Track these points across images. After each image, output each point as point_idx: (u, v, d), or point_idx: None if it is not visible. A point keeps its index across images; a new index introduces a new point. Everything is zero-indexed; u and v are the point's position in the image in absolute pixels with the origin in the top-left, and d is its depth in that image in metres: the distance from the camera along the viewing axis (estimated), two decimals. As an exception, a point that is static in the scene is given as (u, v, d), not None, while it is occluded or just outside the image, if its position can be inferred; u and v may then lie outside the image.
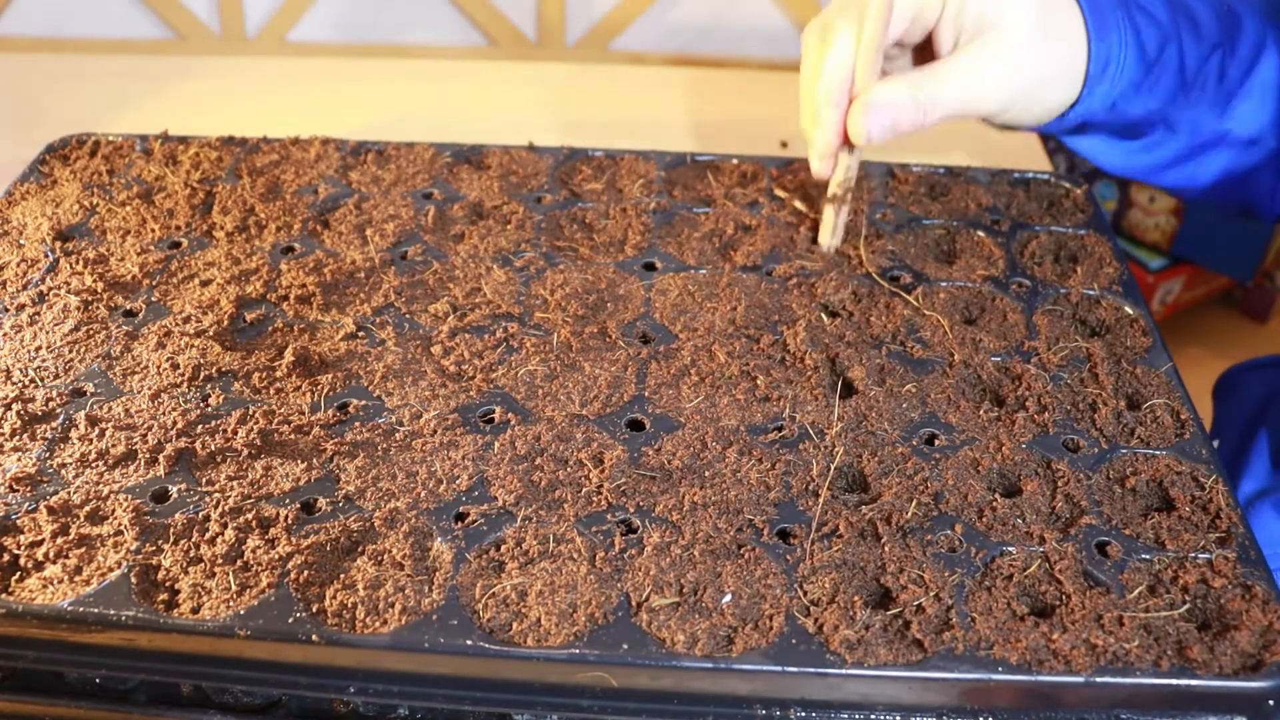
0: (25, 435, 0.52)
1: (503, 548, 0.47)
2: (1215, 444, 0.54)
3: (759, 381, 0.56)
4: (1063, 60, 0.60)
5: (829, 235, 0.65)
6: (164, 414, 0.53)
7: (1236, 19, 0.65)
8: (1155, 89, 0.63)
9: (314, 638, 0.43)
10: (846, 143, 0.60)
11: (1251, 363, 0.81)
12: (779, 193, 0.71)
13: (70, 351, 0.57)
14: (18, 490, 0.49)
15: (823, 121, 0.59)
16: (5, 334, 0.58)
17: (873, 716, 0.44)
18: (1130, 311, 0.62)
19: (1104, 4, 0.61)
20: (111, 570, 0.45)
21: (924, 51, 0.63)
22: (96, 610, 0.43)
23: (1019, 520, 0.49)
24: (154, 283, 0.62)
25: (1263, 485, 0.73)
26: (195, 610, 0.44)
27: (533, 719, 0.44)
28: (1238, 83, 0.65)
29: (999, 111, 0.60)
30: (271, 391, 0.55)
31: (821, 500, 0.49)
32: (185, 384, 0.55)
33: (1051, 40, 0.59)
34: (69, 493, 0.48)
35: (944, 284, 0.64)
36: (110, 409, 0.53)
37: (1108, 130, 0.66)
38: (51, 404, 0.53)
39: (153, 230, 0.67)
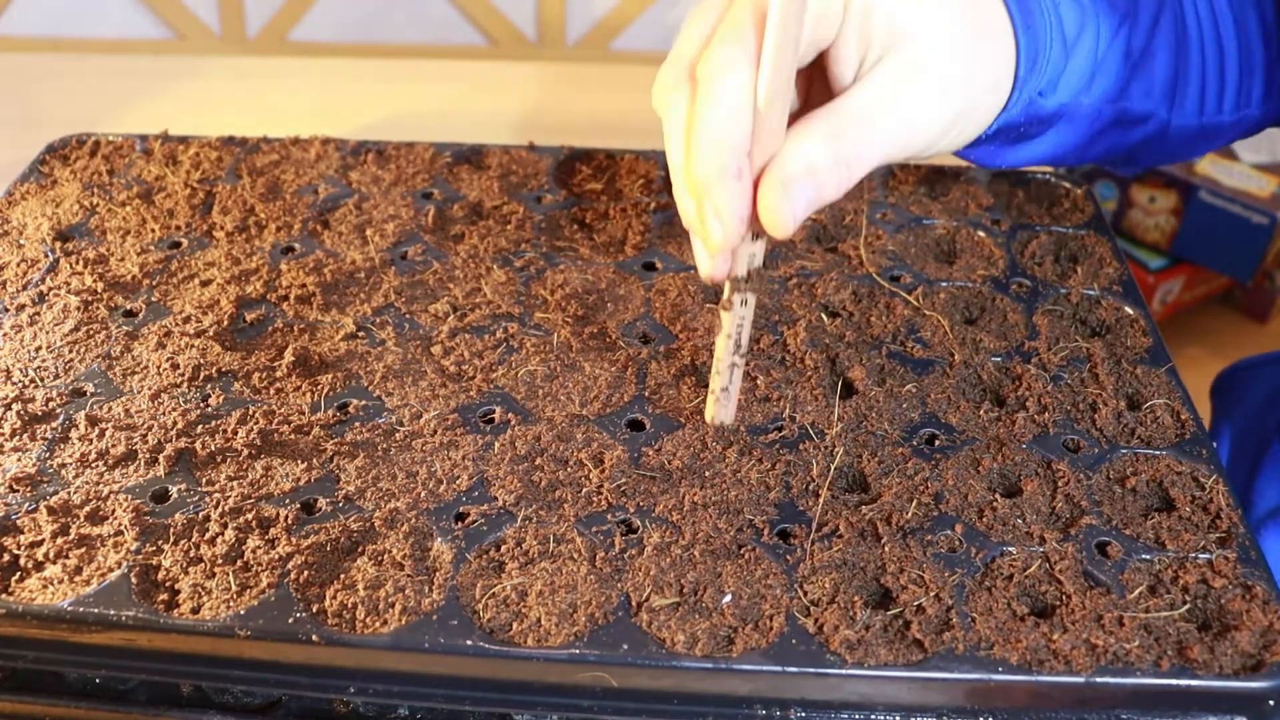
0: (25, 435, 0.52)
1: (503, 548, 0.47)
2: (1215, 445, 0.54)
3: (759, 381, 0.56)
4: (993, 63, 0.48)
5: (717, 403, 0.48)
6: (164, 414, 0.53)
7: None
8: (1072, 76, 0.52)
9: (314, 638, 0.43)
10: (754, 230, 0.43)
11: (1253, 360, 0.80)
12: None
13: (70, 351, 0.57)
14: (18, 490, 0.49)
15: (719, 206, 0.41)
16: (5, 334, 0.58)
17: (873, 717, 0.44)
18: (1130, 311, 0.62)
19: None
20: (111, 570, 0.45)
21: (810, 79, 0.47)
22: (96, 610, 0.43)
23: (1019, 520, 0.49)
24: (154, 283, 0.62)
25: (1276, 504, 0.71)
26: (195, 610, 0.44)
27: (533, 719, 0.44)
28: (1139, 55, 0.55)
29: (930, 145, 0.46)
30: (271, 391, 0.55)
31: (821, 500, 0.49)
32: (185, 384, 0.55)
33: (979, 41, 0.47)
34: (69, 493, 0.48)
35: (944, 284, 0.64)
36: (110, 409, 0.53)
37: (1004, 137, 0.53)
38: (51, 404, 0.53)
39: (153, 230, 0.67)
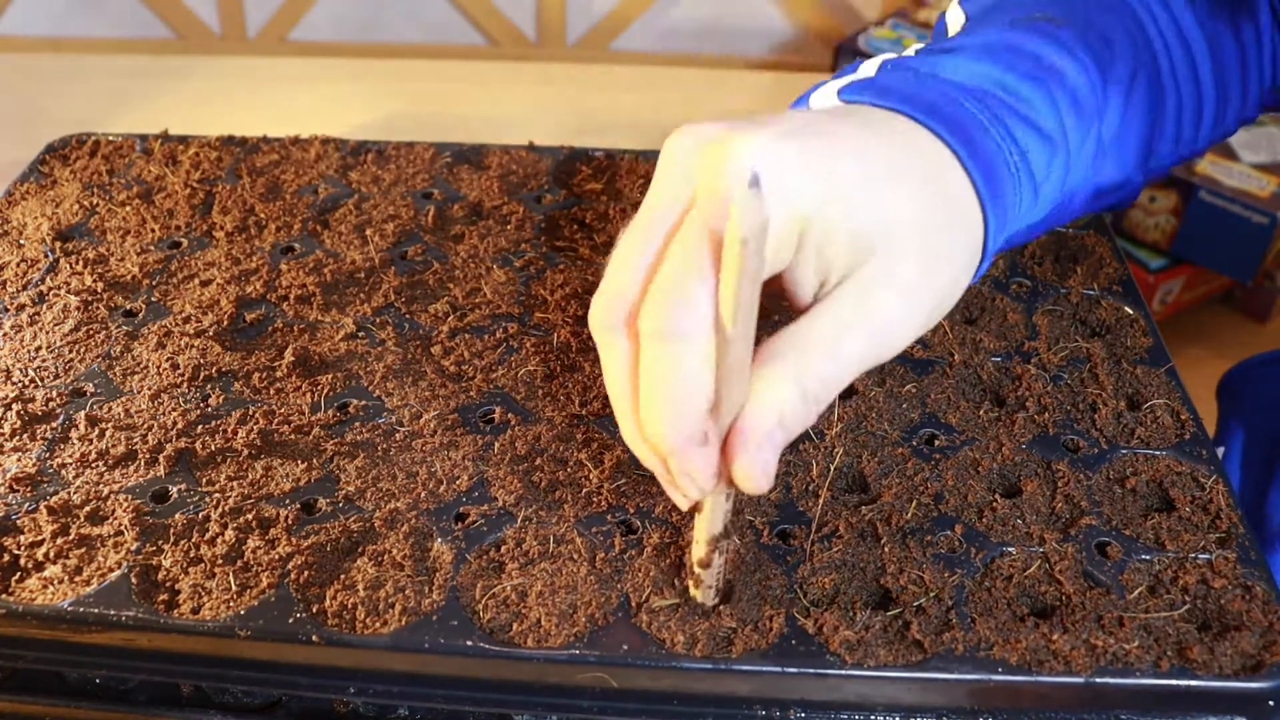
0: (25, 435, 0.52)
1: (503, 548, 0.47)
2: (1221, 451, 0.53)
3: (759, 382, 0.56)
4: (964, 252, 0.43)
5: (704, 593, 0.44)
6: (164, 414, 0.53)
7: (1108, 57, 0.51)
8: (1042, 205, 0.49)
9: (314, 638, 0.43)
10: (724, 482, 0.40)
11: (1261, 358, 0.78)
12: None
13: (70, 351, 0.57)
14: (18, 490, 0.49)
15: (690, 469, 0.38)
16: (5, 334, 0.58)
17: (873, 717, 0.44)
18: (1130, 311, 0.62)
19: (987, 148, 0.44)
20: (111, 570, 0.45)
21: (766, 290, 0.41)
22: (96, 610, 0.43)
23: (1019, 521, 0.49)
24: (154, 283, 0.62)
25: None
26: (195, 610, 0.44)
27: (532, 719, 0.44)
28: (1111, 139, 0.52)
29: (905, 346, 0.42)
30: (271, 391, 0.55)
31: (821, 501, 0.49)
32: (185, 384, 0.55)
33: (948, 235, 0.42)
34: (69, 493, 0.48)
35: (944, 284, 0.64)
36: (110, 409, 0.53)
37: None
38: (51, 404, 0.53)
39: (153, 230, 0.67)
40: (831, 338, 0.39)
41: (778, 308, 0.43)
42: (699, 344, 0.37)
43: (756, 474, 0.38)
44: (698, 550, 0.43)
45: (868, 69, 0.48)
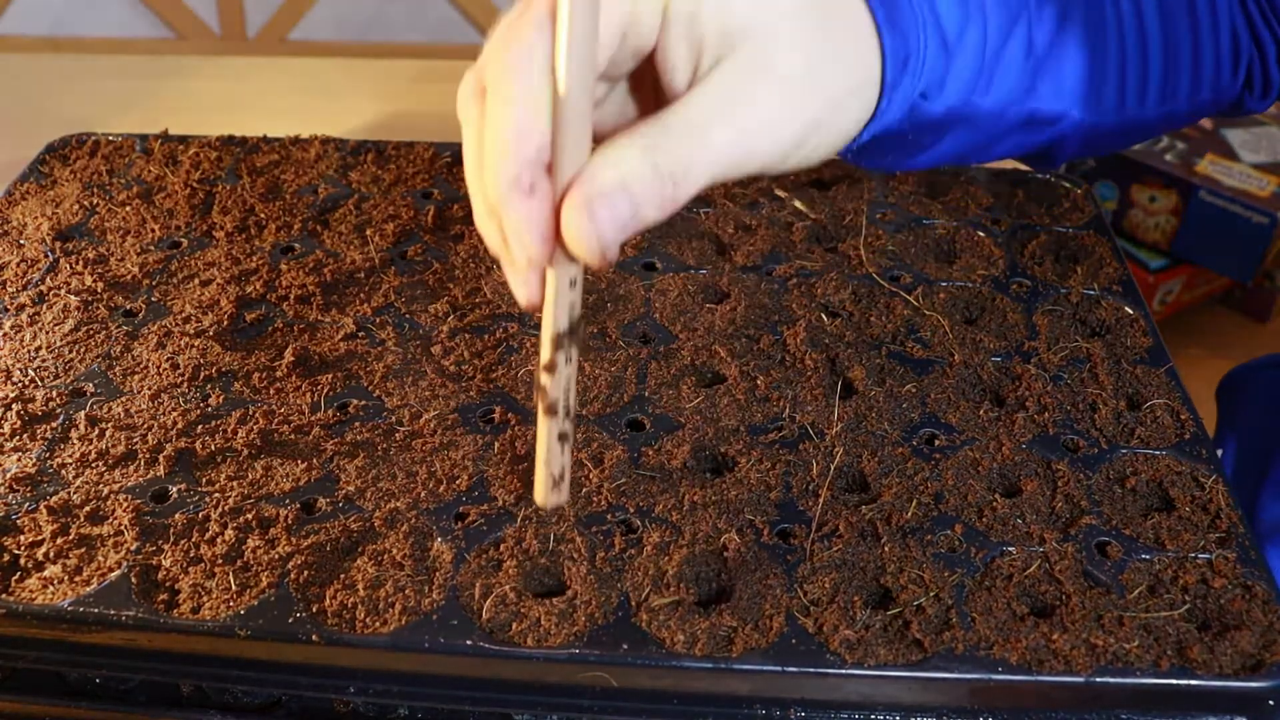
0: (25, 435, 0.52)
1: (502, 547, 0.47)
2: (1220, 452, 0.53)
3: (759, 381, 0.56)
4: (852, 63, 0.41)
5: (547, 473, 0.42)
6: (164, 414, 0.53)
7: None
8: (959, 77, 0.47)
9: (314, 638, 0.43)
10: (563, 252, 0.36)
11: (1257, 362, 0.79)
12: (779, 193, 0.71)
13: (70, 351, 0.57)
14: (18, 490, 0.49)
15: (512, 224, 0.36)
16: (5, 334, 0.58)
17: (873, 716, 0.44)
18: (1130, 311, 0.62)
19: None
20: (111, 570, 0.45)
21: (640, 88, 0.41)
22: (96, 610, 0.43)
23: (1019, 520, 0.49)
24: (154, 283, 0.62)
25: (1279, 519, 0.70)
26: (195, 610, 0.44)
27: (532, 719, 0.44)
28: (1045, 50, 0.50)
29: (778, 161, 0.39)
30: (271, 391, 0.55)
31: (821, 500, 0.49)
32: (185, 384, 0.55)
33: (834, 41, 0.40)
34: (69, 493, 0.48)
35: (944, 284, 0.64)
36: (110, 409, 0.53)
37: (894, 143, 0.49)
38: (51, 404, 0.53)
39: (153, 230, 0.67)
40: (695, 116, 0.37)
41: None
42: (530, 86, 0.35)
43: (586, 231, 0.35)
44: (543, 353, 0.38)
45: None
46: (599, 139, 0.37)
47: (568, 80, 0.34)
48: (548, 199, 0.36)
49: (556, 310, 0.38)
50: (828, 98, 0.40)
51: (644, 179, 0.36)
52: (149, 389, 0.54)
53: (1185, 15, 0.58)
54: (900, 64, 0.43)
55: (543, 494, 0.43)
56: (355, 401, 0.54)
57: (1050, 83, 0.51)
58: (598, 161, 0.36)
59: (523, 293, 0.38)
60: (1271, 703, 0.43)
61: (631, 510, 0.49)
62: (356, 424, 0.53)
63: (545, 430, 0.41)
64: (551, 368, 0.39)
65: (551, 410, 0.40)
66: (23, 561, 0.46)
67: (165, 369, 0.56)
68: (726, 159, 0.37)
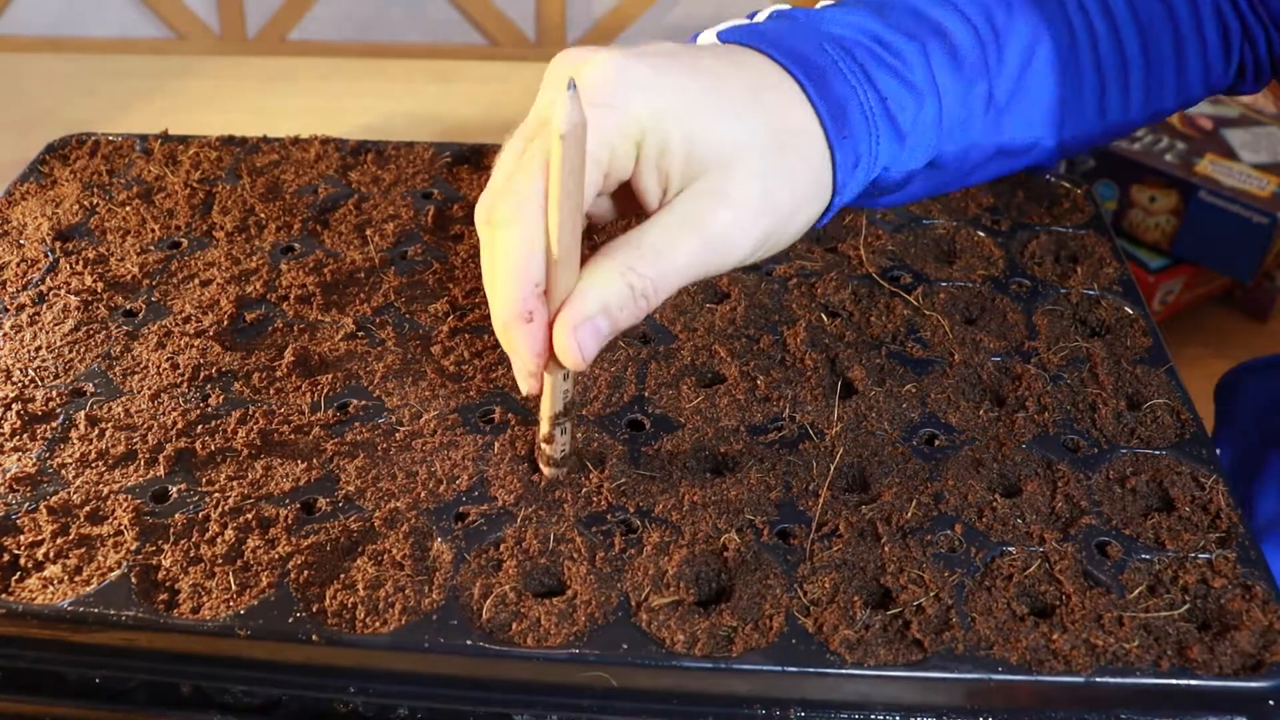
0: (25, 435, 0.52)
1: (502, 547, 0.47)
2: (1217, 451, 0.54)
3: (759, 381, 0.56)
4: (804, 180, 0.46)
5: (553, 470, 0.50)
6: (164, 414, 0.53)
7: (1005, 18, 0.54)
8: (915, 150, 0.51)
9: (314, 638, 0.43)
10: (554, 360, 0.44)
11: (1255, 363, 0.79)
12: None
13: (70, 351, 0.57)
14: (18, 490, 0.49)
15: (515, 344, 0.43)
16: (5, 334, 0.58)
17: (873, 717, 0.44)
18: (1130, 311, 0.62)
19: (839, 89, 0.47)
20: (111, 570, 0.45)
21: (626, 196, 0.46)
22: (96, 610, 0.43)
23: (1019, 520, 0.49)
24: (154, 283, 0.62)
25: (1272, 516, 0.70)
26: (195, 610, 0.44)
27: (532, 719, 0.44)
28: (1008, 97, 0.54)
29: (744, 259, 0.45)
30: (271, 391, 0.55)
31: (821, 500, 0.49)
32: (185, 384, 0.55)
33: (785, 163, 0.45)
34: (69, 493, 0.48)
35: (944, 284, 0.64)
36: (110, 409, 0.53)
37: (864, 198, 0.54)
38: (51, 404, 0.53)
39: (153, 230, 0.67)
40: (664, 240, 0.43)
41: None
42: (527, 232, 0.41)
43: (572, 350, 0.43)
44: (543, 428, 0.49)
45: (760, 16, 0.52)
46: (590, 230, 0.46)
47: (559, 224, 0.40)
48: (543, 324, 0.43)
49: (553, 399, 0.47)
50: (779, 215, 0.45)
51: (622, 299, 0.42)
52: (149, 389, 0.54)
53: (1166, 24, 0.59)
54: (850, 167, 0.48)
55: (548, 470, 0.51)
56: (355, 401, 0.54)
57: (1017, 121, 0.55)
58: (580, 292, 0.42)
59: (525, 387, 0.46)
60: (1271, 703, 0.43)
61: (631, 510, 0.49)
62: (356, 424, 0.53)
63: (549, 474, 0.50)
64: (550, 440, 0.49)
65: (551, 463, 0.50)
66: (23, 561, 0.46)
67: (165, 369, 0.56)
68: (690, 271, 0.44)
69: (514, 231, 0.42)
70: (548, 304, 0.43)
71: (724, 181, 0.44)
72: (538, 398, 0.48)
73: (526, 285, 0.42)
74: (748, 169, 0.44)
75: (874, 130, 0.48)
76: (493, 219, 0.43)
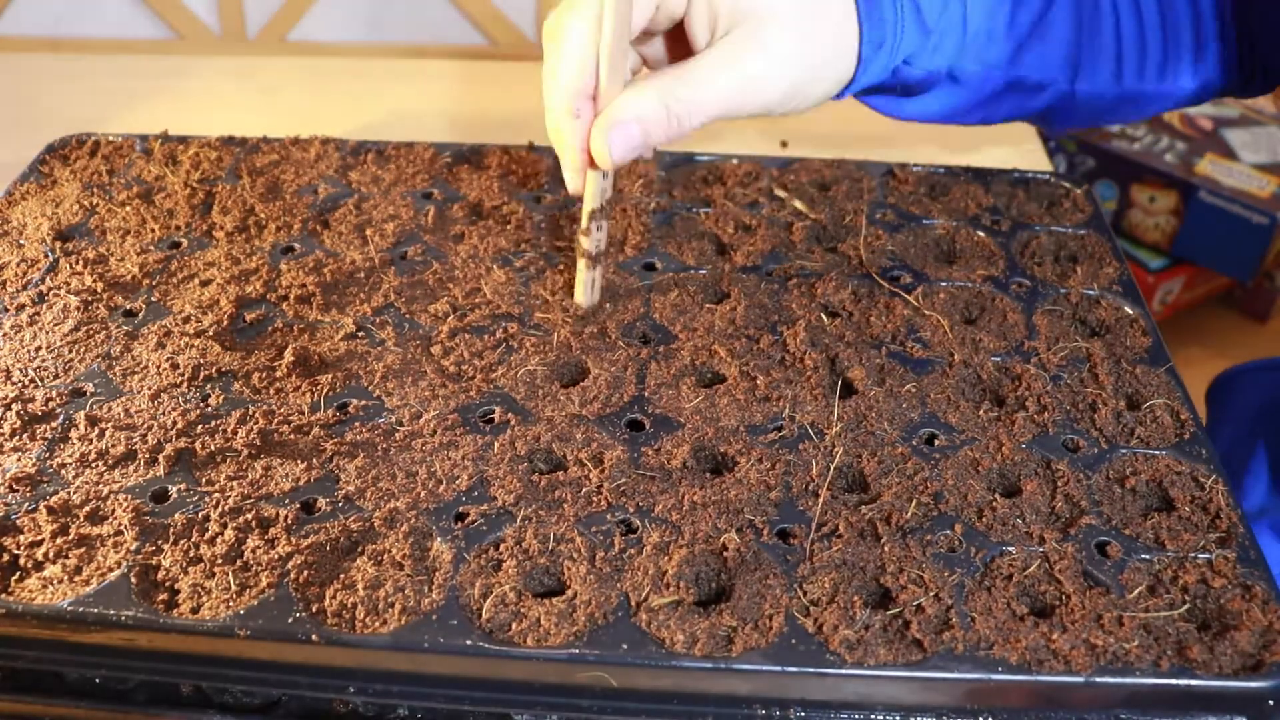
0: (25, 435, 0.52)
1: (502, 547, 0.47)
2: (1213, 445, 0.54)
3: (759, 381, 0.56)
4: (832, 45, 0.54)
5: (586, 287, 0.58)
6: (164, 414, 0.53)
7: None
8: (938, 51, 0.58)
9: (314, 638, 0.43)
10: (594, 161, 0.52)
11: (1249, 365, 0.80)
12: (779, 193, 0.71)
13: (70, 351, 0.57)
14: (18, 490, 0.49)
15: (564, 137, 0.52)
16: (5, 334, 0.58)
17: (873, 717, 0.44)
18: (1130, 311, 0.62)
19: None
20: (111, 570, 0.45)
21: (678, 40, 0.55)
22: (96, 610, 0.43)
23: (1019, 520, 0.49)
24: (154, 283, 0.62)
25: (1261, 505, 0.72)
26: (195, 610, 0.44)
27: (533, 719, 0.44)
28: (1028, 28, 0.60)
29: (767, 110, 0.53)
30: (271, 391, 0.55)
31: (821, 500, 0.49)
32: (185, 384, 0.55)
33: (819, 25, 0.53)
34: (69, 493, 0.48)
35: (944, 284, 0.64)
36: (110, 409, 0.53)
37: (887, 91, 0.61)
38: (51, 404, 0.53)
39: (153, 230, 0.67)
40: (701, 70, 0.51)
41: None
42: (581, 44, 0.50)
43: (604, 149, 0.51)
44: (583, 222, 0.56)
45: None
46: (651, 66, 0.57)
47: (610, 37, 0.49)
48: (588, 122, 0.51)
49: (593, 195, 0.55)
50: (807, 68, 0.53)
51: (656, 114, 0.50)
52: (149, 389, 0.54)
53: (1187, 4, 0.63)
54: (875, 46, 0.55)
55: (581, 300, 0.60)
56: (355, 401, 0.54)
57: (1035, 55, 0.61)
58: (621, 99, 0.50)
59: (570, 184, 0.54)
60: (1271, 703, 0.43)
61: (631, 510, 0.49)
62: (356, 424, 0.53)
63: (583, 271, 0.58)
64: (587, 233, 0.56)
65: (588, 257, 0.57)
66: (22, 561, 0.46)
67: (165, 369, 0.56)
68: (721, 104, 0.51)
69: (571, 42, 0.50)
70: (595, 109, 0.51)
71: (763, 32, 0.51)
72: (578, 208, 0.56)
73: (577, 88, 0.50)
74: (784, 24, 0.51)
75: (901, 18, 0.56)
76: (554, 31, 0.51)
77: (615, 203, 0.58)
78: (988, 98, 0.62)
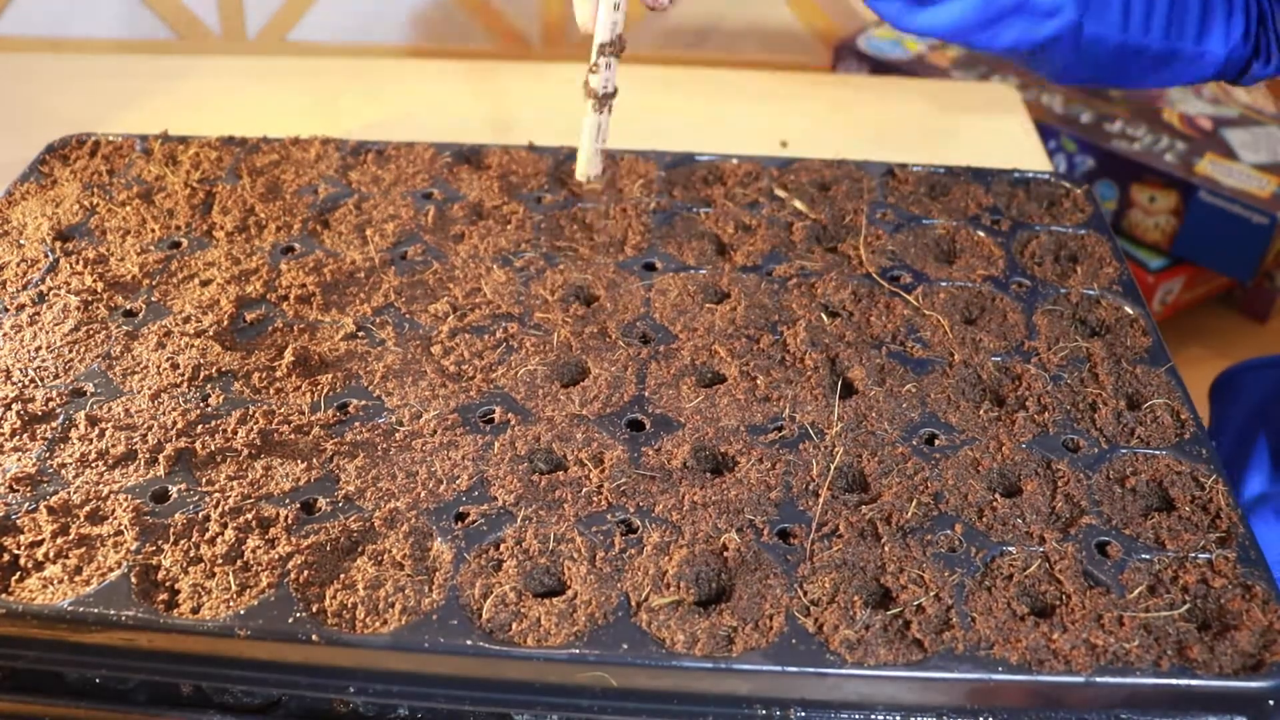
0: (25, 435, 0.52)
1: (502, 547, 0.47)
2: (1213, 445, 0.54)
3: (759, 381, 0.56)
4: None
5: (588, 154, 0.59)
6: (164, 414, 0.53)
7: None
8: None
9: (314, 638, 0.43)
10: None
11: (1251, 363, 0.81)
12: (779, 193, 0.71)
13: (70, 351, 0.57)
14: (18, 490, 0.49)
15: None
16: (5, 334, 0.58)
17: (873, 717, 0.44)
18: (1130, 311, 0.62)
19: None
20: (111, 570, 0.45)
21: None
22: (96, 610, 0.43)
23: (1019, 520, 0.49)
24: (154, 283, 0.62)
25: (1262, 491, 0.72)
26: (195, 610, 0.44)
27: (533, 719, 0.44)
28: None
29: None
30: (271, 391, 0.55)
31: (821, 500, 0.49)
32: (185, 384, 0.55)
33: None
34: (69, 493, 0.48)
35: (944, 284, 0.64)
36: (110, 409, 0.53)
37: None
38: (51, 404, 0.53)
39: (153, 230, 0.67)
40: None
41: None
42: None
43: None
44: (592, 56, 0.56)
45: None
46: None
47: None
48: None
49: (602, 27, 0.55)
50: None
51: None
52: (149, 389, 0.54)
53: None
54: None
55: (583, 168, 0.60)
56: (355, 401, 0.54)
57: None
58: None
59: (580, 15, 0.56)
60: (1271, 703, 0.43)
61: (631, 510, 0.49)
62: (356, 424, 0.53)
63: (590, 117, 0.58)
64: (596, 69, 0.56)
65: (596, 98, 0.57)
66: (23, 561, 0.46)
67: (165, 369, 0.56)
68: None
69: None
70: None
71: None
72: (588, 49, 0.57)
73: None
74: None
75: None
76: None
77: (623, 42, 0.60)
78: (996, 14, 0.63)
